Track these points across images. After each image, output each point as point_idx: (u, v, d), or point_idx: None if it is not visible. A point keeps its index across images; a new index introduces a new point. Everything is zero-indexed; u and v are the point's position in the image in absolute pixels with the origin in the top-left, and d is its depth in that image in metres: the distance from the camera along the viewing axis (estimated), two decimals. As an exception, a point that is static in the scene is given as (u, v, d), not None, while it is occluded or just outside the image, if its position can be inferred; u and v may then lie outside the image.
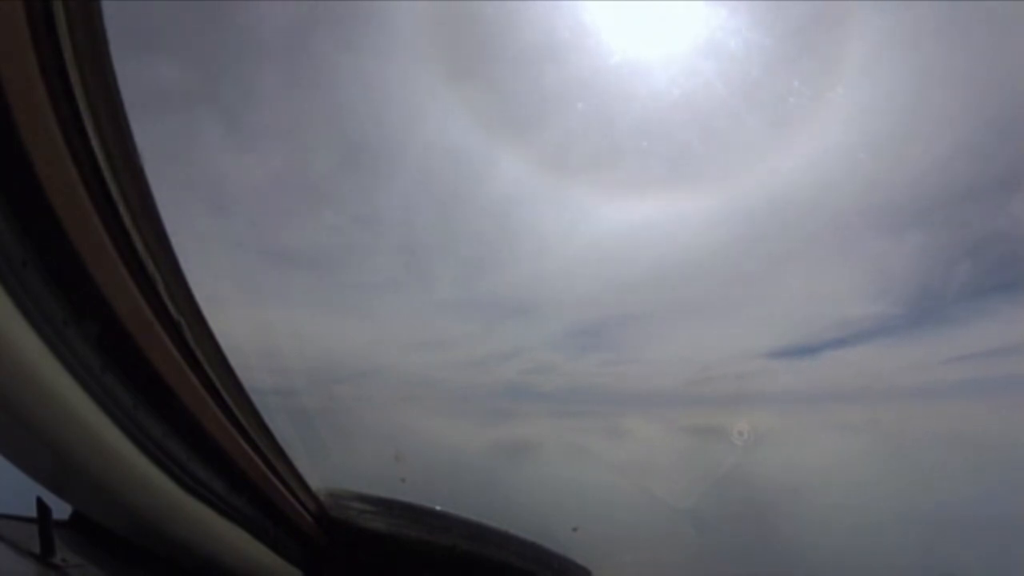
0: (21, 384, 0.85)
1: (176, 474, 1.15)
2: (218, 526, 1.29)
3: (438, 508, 1.84)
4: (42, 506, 1.17)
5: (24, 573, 1.13)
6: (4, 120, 0.77)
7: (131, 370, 1.04)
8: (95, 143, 0.92)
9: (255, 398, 1.37)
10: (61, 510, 1.28)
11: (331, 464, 1.97)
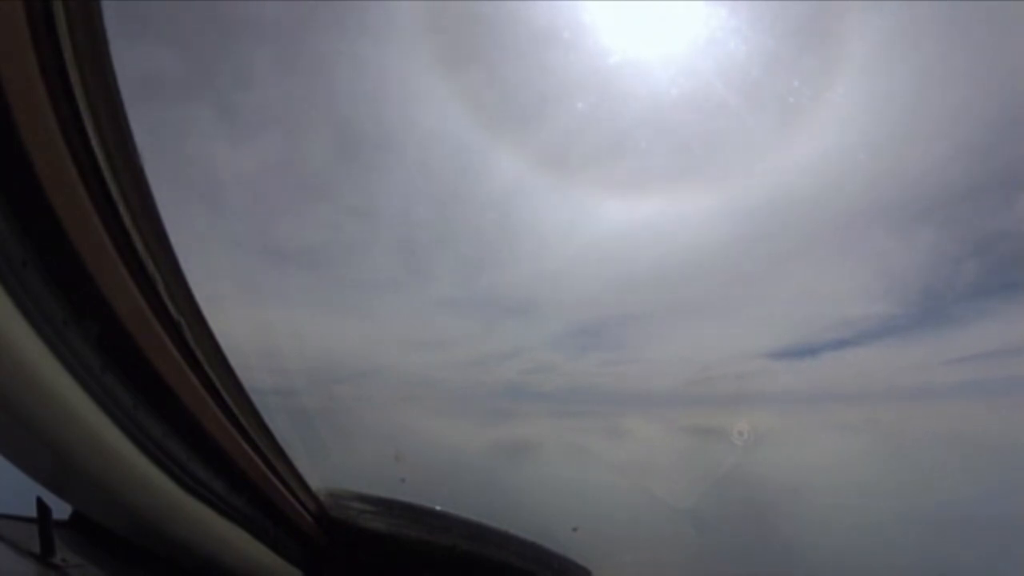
0: (21, 384, 0.85)
1: (176, 474, 1.15)
2: (218, 526, 1.29)
3: (438, 508, 1.84)
4: (42, 506, 1.17)
5: (24, 573, 1.12)
6: (4, 120, 0.77)
7: (131, 370, 1.04)
8: (95, 143, 0.92)
9: (255, 398, 1.36)
10: (61, 510, 1.28)
11: (331, 464, 1.97)
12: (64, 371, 0.90)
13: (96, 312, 0.96)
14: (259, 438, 1.38)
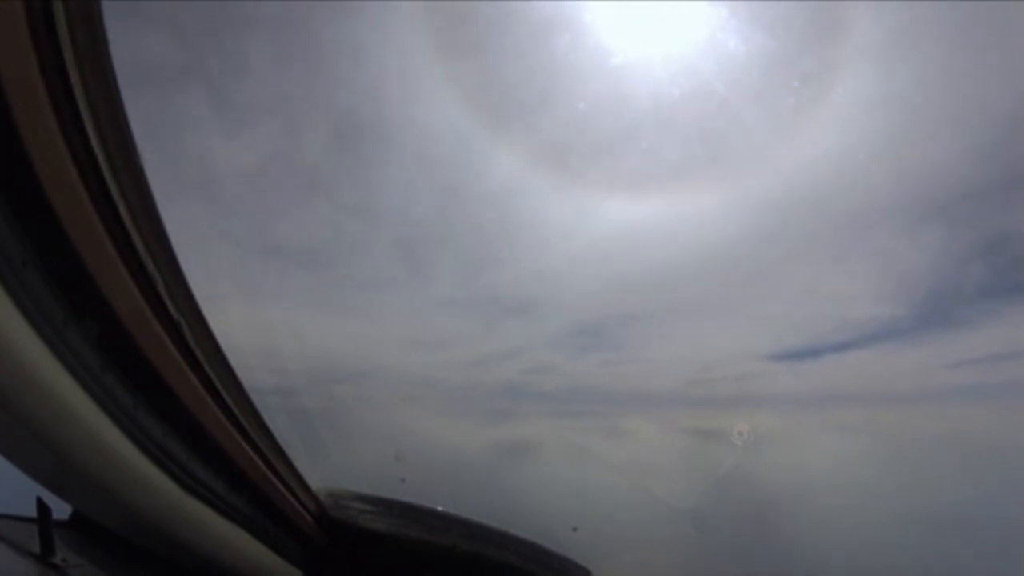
0: (21, 384, 0.85)
1: (176, 474, 1.15)
2: (218, 526, 1.29)
3: (438, 508, 1.84)
4: (42, 506, 1.17)
5: (24, 573, 1.13)
6: (4, 120, 0.77)
7: (131, 370, 1.04)
8: (95, 143, 0.92)
9: (255, 398, 1.36)
10: (61, 510, 1.28)
11: (331, 464, 1.97)
12: (64, 371, 0.90)
13: (96, 312, 0.96)
14: (259, 438, 1.38)
